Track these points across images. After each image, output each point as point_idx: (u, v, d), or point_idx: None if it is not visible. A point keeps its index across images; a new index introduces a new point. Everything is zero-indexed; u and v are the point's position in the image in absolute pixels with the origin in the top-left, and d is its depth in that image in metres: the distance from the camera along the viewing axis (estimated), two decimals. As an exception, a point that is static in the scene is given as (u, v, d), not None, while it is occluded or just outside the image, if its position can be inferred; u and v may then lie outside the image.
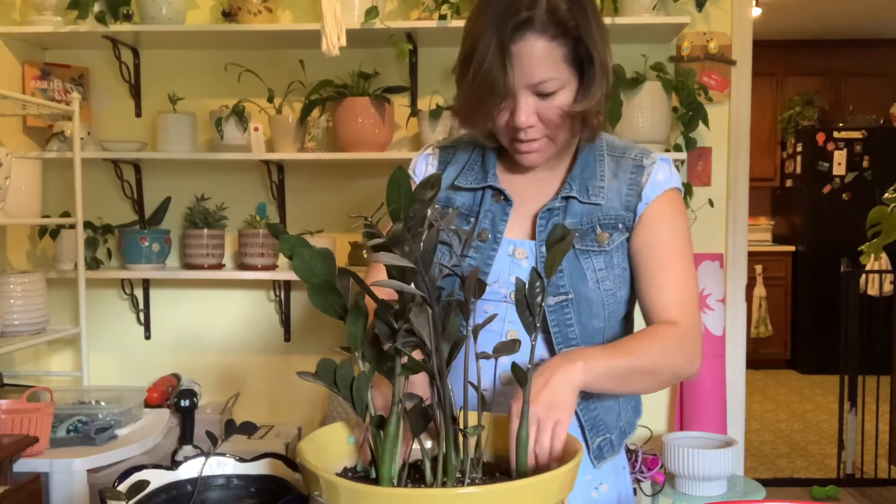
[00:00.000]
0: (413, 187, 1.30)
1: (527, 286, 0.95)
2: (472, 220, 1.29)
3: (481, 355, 0.96)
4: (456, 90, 1.25)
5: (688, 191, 2.84)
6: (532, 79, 1.16)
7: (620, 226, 1.26)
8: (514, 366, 0.99)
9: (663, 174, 1.28)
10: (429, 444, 1.00)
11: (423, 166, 1.37)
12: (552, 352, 1.24)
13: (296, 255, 0.91)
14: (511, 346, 0.98)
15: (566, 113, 1.18)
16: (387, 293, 1.16)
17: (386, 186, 0.89)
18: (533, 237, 1.27)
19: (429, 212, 0.89)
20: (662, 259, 1.25)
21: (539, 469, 0.99)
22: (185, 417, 2.24)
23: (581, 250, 1.25)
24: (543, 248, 1.24)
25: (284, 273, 2.85)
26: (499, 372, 1.17)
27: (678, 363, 1.21)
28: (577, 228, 1.25)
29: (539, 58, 1.15)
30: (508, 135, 1.23)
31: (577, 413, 1.25)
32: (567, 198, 1.27)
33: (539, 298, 0.95)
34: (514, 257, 1.26)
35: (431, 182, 0.92)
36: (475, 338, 0.96)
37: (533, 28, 1.14)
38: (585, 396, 1.25)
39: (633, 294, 1.32)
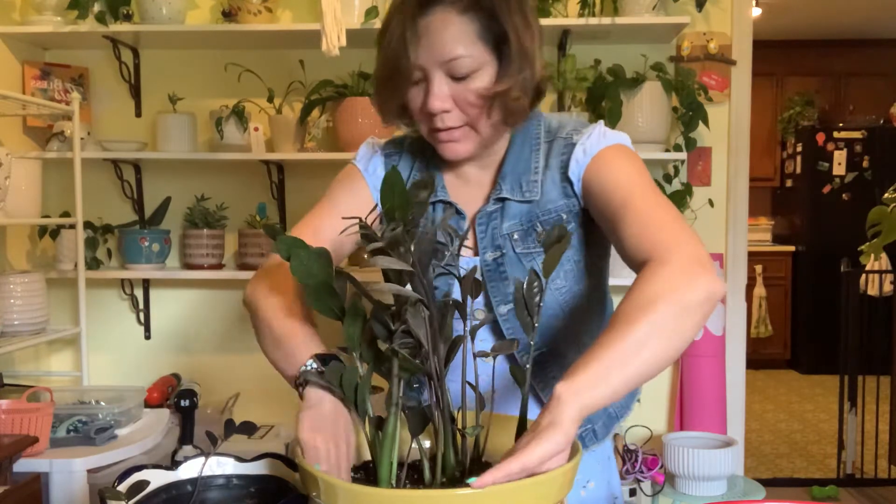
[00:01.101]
0: (364, 184, 1.25)
1: (524, 286, 0.95)
2: None
3: (479, 354, 0.97)
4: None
5: (688, 191, 2.84)
6: (442, 56, 1.08)
7: (564, 216, 1.17)
8: (514, 367, 0.99)
9: (588, 142, 1.16)
10: (427, 443, 1.00)
11: (374, 167, 1.27)
12: (514, 361, 1.18)
13: (293, 256, 0.91)
14: (509, 345, 0.98)
15: (484, 97, 1.09)
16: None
17: (380, 187, 0.89)
18: (475, 249, 1.18)
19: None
20: (616, 203, 1.08)
21: None
22: (185, 417, 2.24)
23: (523, 253, 1.17)
24: (487, 256, 1.17)
25: (284, 273, 2.85)
26: (486, 373, 1.15)
27: (672, 296, 0.93)
28: (518, 230, 1.17)
29: (449, 33, 1.07)
30: (426, 123, 1.14)
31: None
32: (501, 199, 1.18)
33: (537, 298, 0.95)
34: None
35: (425, 183, 0.92)
36: (472, 339, 0.96)
37: (442, 1, 1.08)
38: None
39: (600, 280, 1.25)
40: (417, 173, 1.25)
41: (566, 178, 1.16)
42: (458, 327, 0.99)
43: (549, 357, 1.21)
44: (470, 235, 1.20)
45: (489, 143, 1.17)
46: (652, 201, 1.07)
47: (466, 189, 1.22)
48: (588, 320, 1.23)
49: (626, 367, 0.89)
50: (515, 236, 1.17)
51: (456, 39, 1.07)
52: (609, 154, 1.14)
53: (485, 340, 1.18)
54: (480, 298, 1.17)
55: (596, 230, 1.19)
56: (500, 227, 1.18)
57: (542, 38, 1.14)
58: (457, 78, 1.09)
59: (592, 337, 0.98)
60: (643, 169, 1.14)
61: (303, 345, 1.03)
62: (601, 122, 1.20)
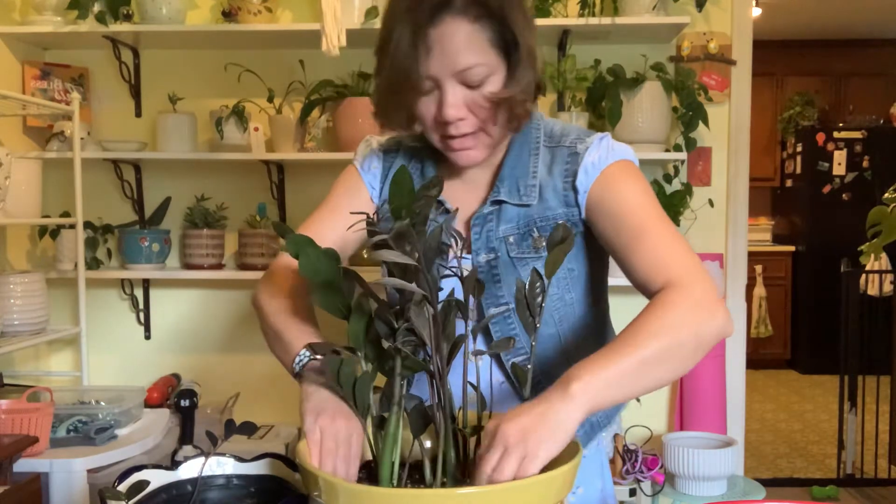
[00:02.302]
0: (362, 183, 1.25)
1: (527, 286, 0.95)
2: None
3: (477, 353, 0.96)
4: (374, 83, 1.15)
5: (688, 191, 2.84)
6: (456, 66, 1.05)
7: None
8: (515, 366, 0.99)
9: (597, 154, 1.15)
10: (428, 443, 1.00)
11: (369, 164, 1.27)
12: (501, 365, 1.18)
13: (302, 254, 0.91)
14: (506, 343, 0.98)
15: (495, 102, 1.08)
16: None
17: (388, 186, 0.89)
18: (469, 248, 1.17)
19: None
20: (631, 228, 1.09)
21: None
22: (185, 417, 2.24)
23: (517, 257, 1.16)
24: (481, 258, 1.17)
25: (284, 273, 2.85)
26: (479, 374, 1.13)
27: (695, 325, 0.98)
28: (514, 233, 1.16)
29: (462, 42, 1.05)
30: (438, 131, 1.12)
31: None
32: (498, 202, 1.17)
33: (539, 299, 0.95)
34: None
35: (434, 182, 0.92)
36: (474, 338, 0.96)
37: (452, 10, 1.04)
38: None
39: (593, 291, 1.23)
40: (414, 171, 1.23)
41: (572, 188, 1.15)
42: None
43: (536, 368, 1.17)
44: (462, 233, 1.18)
45: (497, 146, 1.17)
46: (666, 232, 1.09)
47: (463, 190, 1.20)
48: (581, 333, 1.21)
49: (637, 380, 0.94)
50: (511, 240, 1.17)
51: (469, 48, 1.05)
52: (617, 171, 1.15)
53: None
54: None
55: (594, 242, 1.18)
56: (495, 230, 1.17)
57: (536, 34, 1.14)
58: (470, 86, 1.08)
59: (585, 352, 0.98)
60: (650, 189, 1.15)
61: (297, 339, 1.07)
62: (607, 134, 1.20)
